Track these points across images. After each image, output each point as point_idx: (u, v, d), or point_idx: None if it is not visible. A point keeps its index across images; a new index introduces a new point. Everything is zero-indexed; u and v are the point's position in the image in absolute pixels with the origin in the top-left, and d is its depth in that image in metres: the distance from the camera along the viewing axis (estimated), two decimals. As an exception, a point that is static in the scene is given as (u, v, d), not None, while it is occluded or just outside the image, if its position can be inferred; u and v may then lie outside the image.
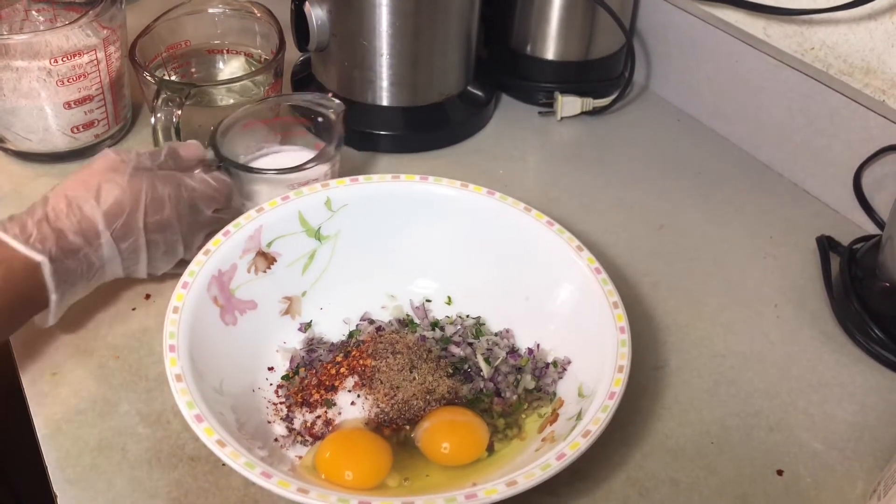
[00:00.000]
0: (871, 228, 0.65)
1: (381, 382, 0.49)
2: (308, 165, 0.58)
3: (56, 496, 0.45)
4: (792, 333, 0.58)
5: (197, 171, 0.55)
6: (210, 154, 0.57)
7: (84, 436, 0.48)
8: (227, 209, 0.56)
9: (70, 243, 0.49)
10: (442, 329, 0.54)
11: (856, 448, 0.50)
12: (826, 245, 0.63)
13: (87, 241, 0.49)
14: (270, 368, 0.51)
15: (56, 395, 0.50)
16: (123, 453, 0.47)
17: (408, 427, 0.47)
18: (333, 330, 0.55)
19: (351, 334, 0.54)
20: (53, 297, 0.49)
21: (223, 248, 0.51)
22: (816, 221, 0.67)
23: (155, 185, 0.51)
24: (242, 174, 0.58)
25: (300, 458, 0.46)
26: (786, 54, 0.70)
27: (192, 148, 0.56)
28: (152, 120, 0.60)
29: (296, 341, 0.53)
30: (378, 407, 0.48)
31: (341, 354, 0.51)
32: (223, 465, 0.45)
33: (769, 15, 0.71)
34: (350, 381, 0.49)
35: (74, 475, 0.46)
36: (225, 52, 0.71)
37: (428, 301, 0.56)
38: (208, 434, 0.41)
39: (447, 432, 0.47)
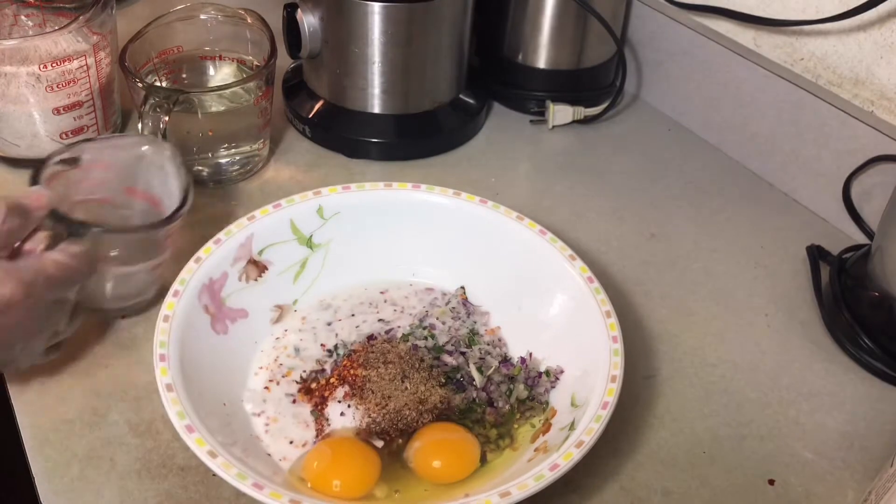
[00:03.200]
0: (860, 238, 0.66)
1: (373, 392, 0.48)
2: (179, 215, 0.51)
3: (43, 507, 0.44)
4: (782, 343, 0.58)
5: (47, 253, 0.45)
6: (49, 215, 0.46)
7: (72, 446, 0.47)
8: (90, 277, 0.47)
9: None
10: (434, 338, 0.53)
11: (846, 457, 0.50)
12: (816, 255, 0.63)
13: None
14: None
15: (43, 405, 0.49)
16: (112, 463, 0.46)
17: (400, 440, 0.47)
18: (325, 339, 0.54)
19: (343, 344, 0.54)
20: None
21: (214, 257, 0.51)
22: (806, 231, 0.67)
23: None
24: (101, 236, 0.47)
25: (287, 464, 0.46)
26: (776, 65, 0.71)
27: (39, 197, 0.45)
28: (139, 126, 0.59)
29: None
30: (370, 416, 0.47)
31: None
32: (213, 475, 0.45)
33: (759, 25, 0.71)
34: (340, 392, 0.49)
35: (62, 486, 0.45)
36: (217, 58, 0.71)
37: (420, 310, 0.56)
38: (199, 444, 0.41)
39: (438, 451, 0.46)
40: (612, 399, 0.44)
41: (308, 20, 0.68)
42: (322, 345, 0.53)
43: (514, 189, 0.71)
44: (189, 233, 0.57)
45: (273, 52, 0.66)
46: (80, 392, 0.50)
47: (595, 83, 0.80)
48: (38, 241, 0.45)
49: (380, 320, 0.55)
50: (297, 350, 0.53)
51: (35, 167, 0.49)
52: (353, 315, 0.55)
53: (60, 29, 0.62)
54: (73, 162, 0.51)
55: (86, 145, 0.53)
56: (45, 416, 0.49)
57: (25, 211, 0.44)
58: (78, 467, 0.46)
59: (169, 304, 0.48)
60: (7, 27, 0.68)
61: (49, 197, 0.46)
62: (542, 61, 0.78)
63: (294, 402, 0.49)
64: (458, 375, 0.51)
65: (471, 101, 0.76)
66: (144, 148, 0.54)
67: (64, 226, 0.46)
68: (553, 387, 0.50)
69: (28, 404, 0.49)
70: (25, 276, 0.43)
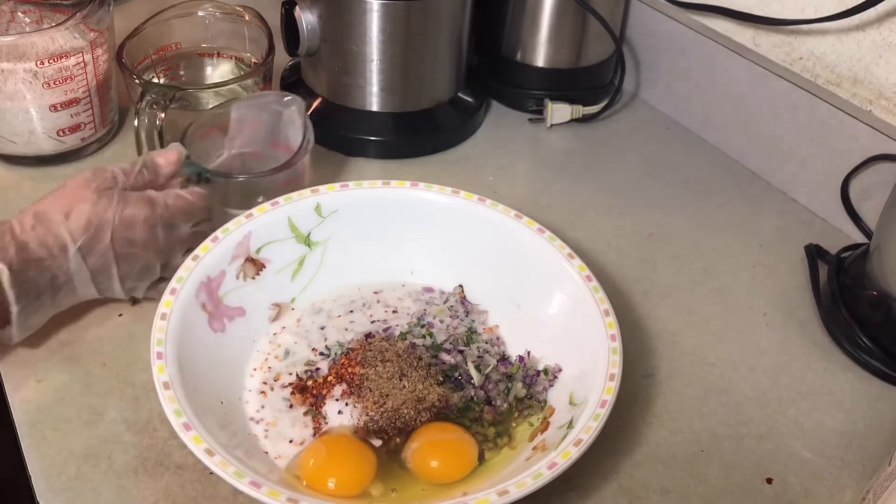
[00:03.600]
0: (858, 237, 0.66)
1: (371, 391, 0.48)
2: (295, 161, 0.57)
3: (40, 506, 0.44)
4: (781, 342, 0.58)
5: (172, 190, 0.54)
6: (186, 163, 0.55)
7: (69, 444, 0.47)
8: (206, 222, 0.55)
9: (32, 253, 0.48)
10: (432, 336, 0.53)
11: (844, 456, 0.50)
12: (814, 254, 0.63)
13: (51, 253, 0.48)
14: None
15: (41, 403, 0.49)
16: (109, 462, 0.46)
17: (398, 439, 0.47)
18: (323, 337, 0.54)
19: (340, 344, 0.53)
20: (14, 308, 0.47)
21: (212, 254, 0.51)
22: (805, 230, 0.67)
23: (126, 204, 0.51)
24: (223, 182, 0.56)
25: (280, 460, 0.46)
26: (774, 64, 0.71)
27: (170, 154, 0.55)
28: (135, 122, 0.59)
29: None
30: (367, 415, 0.47)
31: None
32: (211, 473, 0.45)
33: (758, 25, 0.71)
34: (338, 390, 0.49)
35: (59, 484, 0.45)
36: (215, 55, 0.71)
37: (418, 308, 0.56)
38: (196, 443, 0.41)
39: (436, 451, 0.46)
40: (610, 398, 0.44)
41: (306, 17, 0.68)
42: (314, 349, 0.53)
43: (513, 187, 0.71)
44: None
45: (271, 50, 0.66)
46: (78, 390, 0.50)
47: (593, 82, 0.80)
48: (173, 184, 0.55)
49: (377, 319, 0.55)
50: (293, 349, 0.52)
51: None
52: (350, 312, 0.55)
53: (58, 25, 0.61)
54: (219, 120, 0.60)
55: (233, 105, 0.60)
56: (42, 415, 0.49)
57: (157, 166, 0.54)
58: (75, 465, 0.46)
59: (166, 303, 0.47)
60: (4, 23, 0.68)
61: (180, 154, 0.55)
62: (540, 60, 0.78)
63: (291, 406, 0.49)
64: (457, 374, 0.51)
65: (469, 99, 0.76)
66: (286, 99, 0.60)
67: (194, 172, 0.55)
68: (551, 385, 0.50)
69: (25, 402, 0.49)
70: (148, 202, 0.52)
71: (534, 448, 0.45)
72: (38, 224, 0.49)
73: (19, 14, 0.68)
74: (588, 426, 0.43)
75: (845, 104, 0.65)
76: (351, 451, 0.46)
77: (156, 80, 0.67)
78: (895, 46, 0.63)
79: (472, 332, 0.54)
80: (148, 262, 0.53)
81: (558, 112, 0.77)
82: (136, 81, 0.61)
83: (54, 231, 0.49)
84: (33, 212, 0.49)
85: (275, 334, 0.53)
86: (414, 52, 0.69)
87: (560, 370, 0.50)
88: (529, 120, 0.78)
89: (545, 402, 0.50)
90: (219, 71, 0.71)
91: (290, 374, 0.51)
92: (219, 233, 0.52)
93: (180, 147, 0.56)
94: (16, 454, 0.47)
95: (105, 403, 0.49)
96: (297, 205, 0.55)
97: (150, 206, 0.52)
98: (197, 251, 0.51)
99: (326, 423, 0.48)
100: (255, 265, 0.53)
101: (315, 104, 0.72)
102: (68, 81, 0.63)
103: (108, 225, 0.50)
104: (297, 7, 0.68)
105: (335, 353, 0.52)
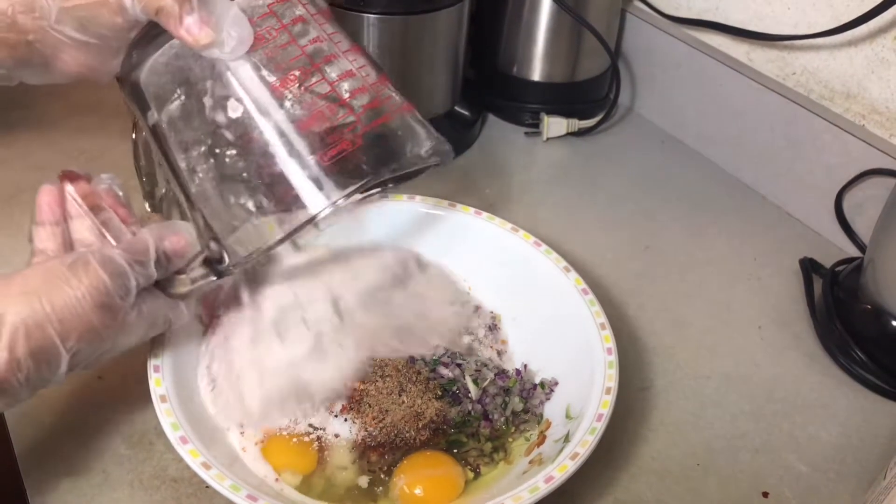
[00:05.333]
0: (852, 251, 0.66)
1: (370, 406, 0.48)
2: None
3: (35, 520, 0.44)
4: (776, 355, 0.58)
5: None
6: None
7: (65, 457, 0.47)
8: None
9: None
10: (429, 350, 0.53)
11: (840, 470, 0.50)
12: (809, 267, 0.63)
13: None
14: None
15: (36, 416, 0.49)
16: (105, 475, 0.46)
17: (383, 475, 0.46)
18: (319, 350, 0.54)
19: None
20: None
21: (209, 267, 0.51)
22: (799, 244, 0.68)
23: (133, 328, 0.42)
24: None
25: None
26: (768, 79, 0.71)
27: (180, 241, 0.43)
28: (133, 135, 0.59)
29: (281, 361, 0.53)
30: (366, 430, 0.47)
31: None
32: (207, 487, 0.45)
33: (752, 40, 0.72)
34: (338, 405, 0.49)
35: (54, 498, 0.45)
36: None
37: (415, 321, 0.56)
38: (193, 456, 0.41)
39: (421, 482, 0.46)
40: (606, 411, 0.44)
41: (304, 32, 0.68)
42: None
43: (509, 201, 0.71)
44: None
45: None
46: (74, 404, 0.50)
47: (589, 96, 0.81)
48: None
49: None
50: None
51: None
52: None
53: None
54: None
55: None
56: (38, 429, 0.48)
57: (167, 256, 0.43)
58: (70, 480, 0.46)
59: (163, 315, 0.47)
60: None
61: (192, 245, 0.43)
62: (536, 74, 0.78)
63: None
64: (454, 388, 0.51)
65: (466, 112, 0.77)
66: None
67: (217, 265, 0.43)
68: (548, 399, 0.50)
69: (21, 416, 0.49)
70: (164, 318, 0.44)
71: (530, 462, 0.46)
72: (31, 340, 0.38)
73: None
74: (584, 440, 0.43)
75: (839, 119, 0.66)
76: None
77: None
78: (887, 62, 0.63)
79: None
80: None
81: (554, 126, 0.77)
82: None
83: (52, 360, 0.39)
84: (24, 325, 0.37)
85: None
86: (411, 66, 0.70)
87: (557, 384, 0.51)
88: (526, 133, 0.79)
89: (542, 415, 0.50)
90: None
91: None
92: (216, 246, 0.52)
93: (186, 229, 0.44)
94: (11, 468, 0.47)
95: (101, 417, 0.49)
96: (295, 218, 0.55)
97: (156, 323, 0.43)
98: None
99: (325, 436, 0.47)
100: (252, 278, 0.53)
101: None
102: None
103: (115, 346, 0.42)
104: (295, 21, 0.68)
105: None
